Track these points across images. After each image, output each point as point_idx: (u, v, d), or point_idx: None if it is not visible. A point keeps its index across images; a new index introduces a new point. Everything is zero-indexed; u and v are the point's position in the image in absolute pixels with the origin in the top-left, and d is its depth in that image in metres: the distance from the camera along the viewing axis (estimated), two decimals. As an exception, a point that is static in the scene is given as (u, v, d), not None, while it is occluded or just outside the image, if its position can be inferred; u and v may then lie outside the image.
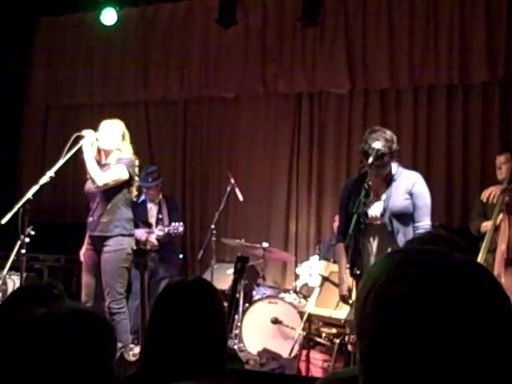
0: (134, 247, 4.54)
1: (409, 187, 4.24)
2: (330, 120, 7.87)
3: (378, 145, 4.08)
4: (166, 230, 6.53)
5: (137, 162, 5.35)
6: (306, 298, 6.19)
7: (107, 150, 5.28)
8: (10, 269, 5.63)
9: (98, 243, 5.22)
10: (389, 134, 4.18)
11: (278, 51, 7.86)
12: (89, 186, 5.32)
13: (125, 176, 5.20)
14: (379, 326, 0.93)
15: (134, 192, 5.43)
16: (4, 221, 4.54)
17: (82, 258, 5.47)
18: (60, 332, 1.17)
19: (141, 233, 6.53)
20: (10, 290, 5.42)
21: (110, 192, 5.20)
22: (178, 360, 2.03)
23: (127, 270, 5.23)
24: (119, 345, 5.09)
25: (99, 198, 5.25)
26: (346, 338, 4.81)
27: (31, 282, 6.00)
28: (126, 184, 5.26)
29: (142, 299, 4.15)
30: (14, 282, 5.60)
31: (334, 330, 5.16)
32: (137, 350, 5.52)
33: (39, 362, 1.13)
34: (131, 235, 5.31)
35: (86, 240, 5.39)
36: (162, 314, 2.15)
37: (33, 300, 2.17)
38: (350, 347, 4.80)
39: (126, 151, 5.32)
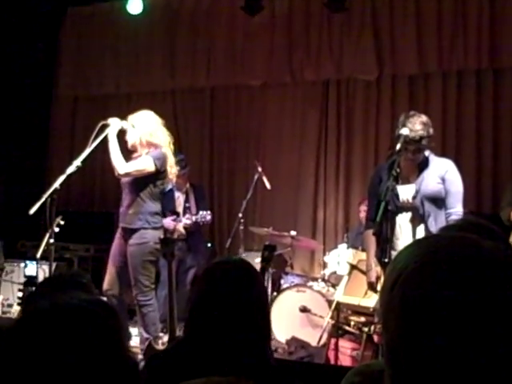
0: (161, 236, 4.53)
1: (441, 173, 4.20)
2: (358, 107, 7.80)
3: (417, 128, 4.04)
4: (194, 218, 6.52)
5: (169, 154, 5.31)
6: (334, 286, 6.17)
7: (135, 142, 5.27)
8: (41, 258, 5.70)
9: (126, 234, 5.25)
10: (425, 118, 4.15)
11: (304, 38, 7.81)
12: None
13: (150, 168, 5.16)
14: (406, 316, 0.91)
15: (165, 185, 5.41)
16: (32, 211, 4.56)
17: None
18: (65, 324, 1.16)
19: (168, 222, 6.54)
20: (40, 279, 5.47)
21: (136, 184, 5.20)
22: (220, 342, 2.01)
23: (153, 262, 5.23)
24: (146, 336, 5.12)
25: (127, 189, 5.26)
26: (372, 327, 4.78)
27: (60, 271, 6.07)
28: (153, 177, 5.21)
29: (170, 288, 4.16)
30: (44, 272, 5.65)
31: (362, 319, 5.13)
32: (165, 338, 5.53)
33: (44, 355, 1.12)
34: (155, 228, 5.23)
35: (118, 229, 5.42)
36: (205, 295, 2.12)
37: (60, 289, 2.19)
38: (376, 338, 4.77)
39: (156, 138, 5.28)
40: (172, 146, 5.38)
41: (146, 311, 5.17)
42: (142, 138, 5.25)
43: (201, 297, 2.14)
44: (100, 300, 1.30)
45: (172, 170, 5.38)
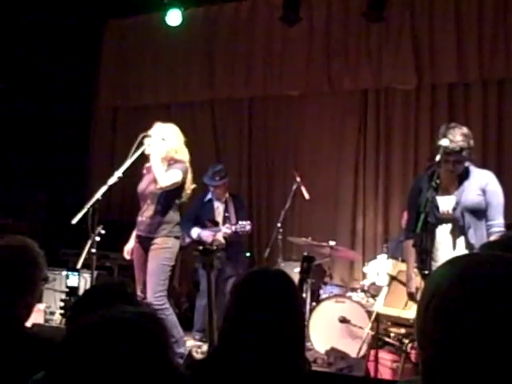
0: (200, 248, 4.56)
1: (482, 185, 4.15)
2: (397, 116, 7.75)
3: (457, 139, 4.01)
4: (233, 228, 6.55)
5: (188, 167, 5.41)
6: (373, 297, 6.13)
7: (162, 154, 5.33)
8: (82, 267, 5.78)
9: (145, 242, 5.35)
10: (465, 129, 4.12)
11: (342, 47, 7.79)
12: (142, 187, 5.46)
13: (179, 181, 5.30)
14: (440, 335, 0.91)
15: (186, 197, 5.50)
16: (74, 221, 4.64)
17: (126, 253, 5.58)
18: (114, 338, 1.18)
19: (206, 235, 6.58)
20: (81, 287, 5.55)
21: (161, 195, 5.30)
22: (254, 353, 2.00)
23: (170, 269, 5.32)
24: (172, 340, 5.15)
25: (150, 199, 5.36)
26: (409, 344, 4.74)
27: (102, 280, 6.15)
28: (178, 189, 5.36)
29: (209, 298, 4.18)
30: (85, 280, 5.74)
31: (402, 330, 5.08)
32: (205, 347, 5.56)
33: (94, 368, 1.15)
34: (177, 237, 5.40)
35: (134, 238, 5.49)
36: (239, 305, 2.12)
37: (105, 299, 2.22)
38: (413, 355, 4.72)
39: (181, 155, 5.40)
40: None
41: (163, 316, 5.20)
42: (169, 152, 5.33)
43: (235, 306, 2.14)
44: (147, 312, 1.32)
45: (190, 186, 5.50)
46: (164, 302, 5.27)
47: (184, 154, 5.42)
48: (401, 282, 4.89)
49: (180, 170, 5.29)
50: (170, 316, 5.28)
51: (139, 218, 5.43)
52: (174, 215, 5.38)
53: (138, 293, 5.32)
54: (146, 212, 5.36)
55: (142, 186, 5.46)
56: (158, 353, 1.20)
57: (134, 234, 5.53)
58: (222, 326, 2.17)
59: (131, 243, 5.54)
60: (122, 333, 1.19)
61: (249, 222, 6.55)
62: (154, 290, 5.20)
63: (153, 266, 5.24)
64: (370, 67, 7.65)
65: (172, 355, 1.26)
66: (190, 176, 5.46)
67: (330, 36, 7.86)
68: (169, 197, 5.32)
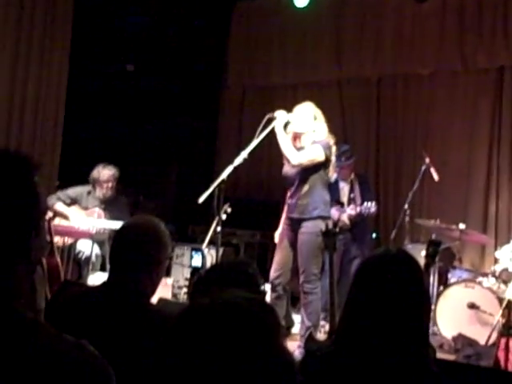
0: (323, 229, 4.54)
1: None
2: (535, 94, 7.35)
3: None
4: (358, 209, 6.48)
5: (332, 143, 5.31)
6: (505, 283, 5.88)
7: (300, 132, 5.32)
8: (209, 243, 5.95)
9: (296, 224, 5.28)
10: None
11: (477, 22, 7.46)
12: (286, 169, 5.40)
13: (321, 157, 5.18)
14: None
15: (332, 173, 5.42)
16: (201, 200, 4.74)
17: (276, 239, 5.60)
18: (222, 322, 1.19)
19: (333, 212, 6.55)
20: (208, 264, 5.72)
21: (307, 174, 5.22)
22: (377, 338, 1.94)
23: (322, 250, 5.25)
24: (308, 324, 5.17)
25: (297, 180, 5.28)
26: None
27: (227, 257, 6.29)
28: (323, 165, 5.24)
29: (331, 280, 4.18)
30: (212, 257, 5.89)
31: (536, 319, 4.85)
32: (327, 327, 5.57)
33: (201, 350, 1.16)
34: (328, 217, 5.29)
35: (284, 220, 5.50)
36: (364, 286, 2.05)
37: (227, 278, 2.26)
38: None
39: (321, 132, 5.30)
40: (332, 137, 5.37)
41: (310, 299, 5.21)
42: (310, 130, 5.29)
43: (356, 291, 2.07)
44: (258, 299, 1.31)
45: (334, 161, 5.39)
46: (316, 286, 5.23)
47: (324, 129, 5.32)
48: (535, 268, 4.67)
49: (321, 145, 5.19)
50: (315, 302, 5.24)
51: (289, 201, 5.39)
52: (323, 193, 5.29)
53: (272, 272, 5.38)
54: (295, 194, 5.29)
55: (285, 168, 5.41)
56: (265, 340, 1.20)
57: (283, 216, 5.54)
58: (343, 310, 2.13)
59: (280, 227, 5.56)
60: (231, 318, 1.20)
61: (374, 204, 6.45)
62: (307, 273, 5.18)
63: (306, 250, 5.18)
64: (507, 42, 7.28)
65: (281, 344, 1.25)
66: (333, 151, 5.34)
67: (464, 11, 7.54)
68: (314, 174, 5.23)
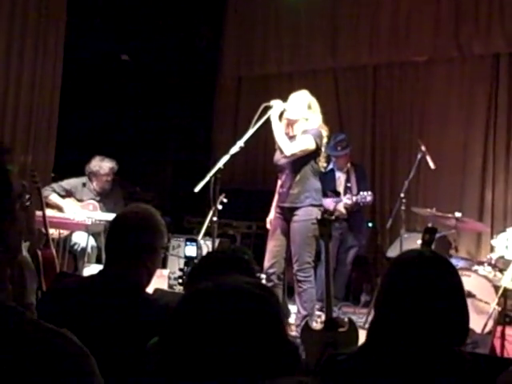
0: (319, 217, 4.54)
1: None
2: (531, 82, 7.33)
3: None
4: (354, 199, 6.47)
5: (324, 133, 5.30)
6: (501, 271, 5.88)
7: (293, 120, 5.30)
8: (205, 234, 5.93)
9: (288, 213, 5.29)
10: None
11: (473, 8, 7.43)
12: (277, 157, 5.40)
13: (312, 146, 5.19)
14: None
15: (322, 163, 5.42)
16: (197, 189, 4.72)
17: (268, 225, 5.60)
18: (227, 306, 1.18)
19: (329, 202, 6.54)
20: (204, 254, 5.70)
21: (298, 163, 5.23)
22: (412, 338, 1.90)
23: (315, 238, 5.25)
24: (303, 312, 5.17)
25: (288, 169, 5.30)
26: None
27: (220, 247, 6.28)
28: (314, 155, 5.25)
29: (327, 268, 4.17)
30: (208, 248, 5.87)
31: (532, 307, 4.86)
32: (323, 317, 5.57)
33: (206, 336, 1.15)
34: (320, 205, 5.31)
35: (275, 209, 5.50)
36: (396, 289, 1.98)
37: (221, 266, 2.25)
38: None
39: (314, 121, 5.30)
40: (325, 128, 5.36)
41: (305, 287, 5.22)
42: (302, 118, 5.28)
43: (389, 292, 2.00)
44: (261, 283, 1.31)
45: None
46: (309, 274, 5.25)
47: (317, 118, 5.32)
48: (531, 256, 4.67)
49: (311, 135, 5.19)
50: (310, 290, 5.25)
51: (280, 190, 5.41)
52: (314, 181, 5.30)
53: (266, 262, 5.38)
54: (286, 182, 5.31)
55: (277, 155, 5.42)
56: (268, 324, 1.20)
57: (274, 204, 5.54)
58: (375, 311, 2.05)
59: (272, 213, 5.56)
60: (234, 302, 1.20)
61: (370, 193, 6.45)
62: (301, 261, 5.20)
63: (298, 238, 5.20)
64: (503, 29, 7.24)
65: (283, 329, 1.25)
66: (324, 141, 5.34)
67: (460, -4, 7.51)
68: (305, 163, 5.24)
